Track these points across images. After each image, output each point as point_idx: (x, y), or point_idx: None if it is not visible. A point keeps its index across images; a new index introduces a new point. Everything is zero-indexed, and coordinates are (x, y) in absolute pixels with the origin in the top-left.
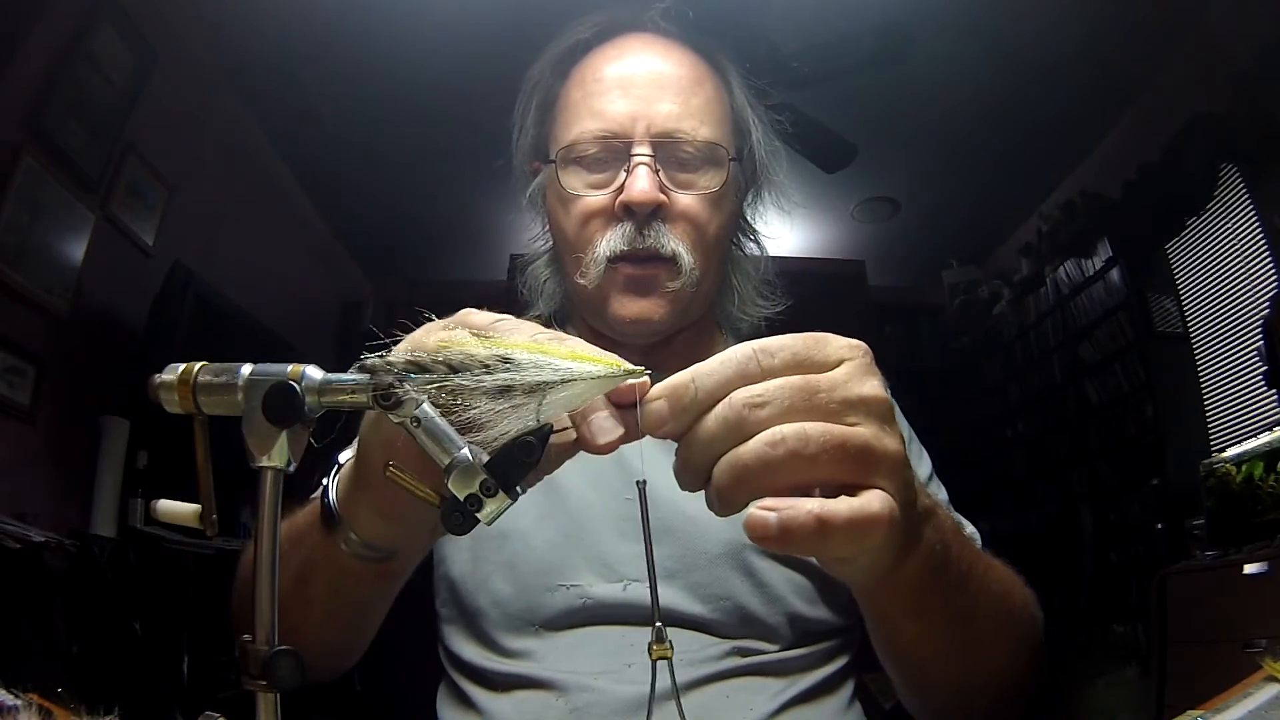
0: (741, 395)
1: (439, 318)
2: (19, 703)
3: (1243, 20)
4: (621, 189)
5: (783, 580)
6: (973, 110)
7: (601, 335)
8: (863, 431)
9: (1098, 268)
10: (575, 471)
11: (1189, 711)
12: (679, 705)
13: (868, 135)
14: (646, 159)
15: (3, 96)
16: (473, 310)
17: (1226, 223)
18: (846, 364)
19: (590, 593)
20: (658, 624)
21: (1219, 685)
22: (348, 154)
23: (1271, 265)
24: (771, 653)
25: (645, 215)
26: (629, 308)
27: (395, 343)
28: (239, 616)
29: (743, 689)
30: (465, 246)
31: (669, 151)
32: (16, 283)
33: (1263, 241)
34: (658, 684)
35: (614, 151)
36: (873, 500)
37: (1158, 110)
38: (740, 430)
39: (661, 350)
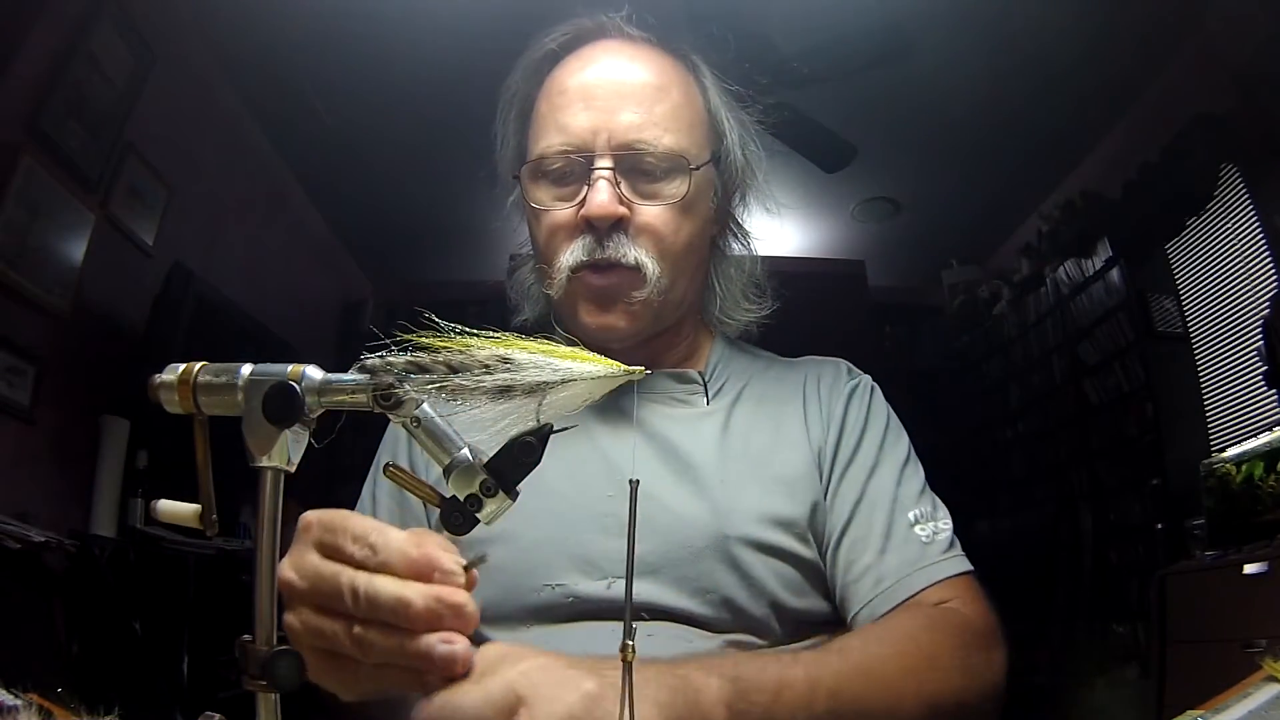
0: None
1: (439, 318)
2: (19, 703)
3: (1243, 20)
4: (584, 203)
5: (768, 572)
6: (973, 110)
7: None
8: None
9: (1098, 268)
10: (559, 471)
11: (1189, 711)
12: (631, 709)
13: (868, 135)
14: (607, 173)
15: (3, 96)
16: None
17: (1226, 223)
18: None
19: (575, 591)
20: (632, 624)
21: (1219, 685)
22: (348, 154)
23: (1271, 265)
24: (765, 646)
25: (606, 228)
26: (595, 318)
27: (395, 343)
28: None
29: None
30: (465, 246)
31: (631, 163)
32: (16, 283)
33: (1263, 241)
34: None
35: (577, 165)
36: None
37: (1158, 110)
38: None
39: (643, 349)
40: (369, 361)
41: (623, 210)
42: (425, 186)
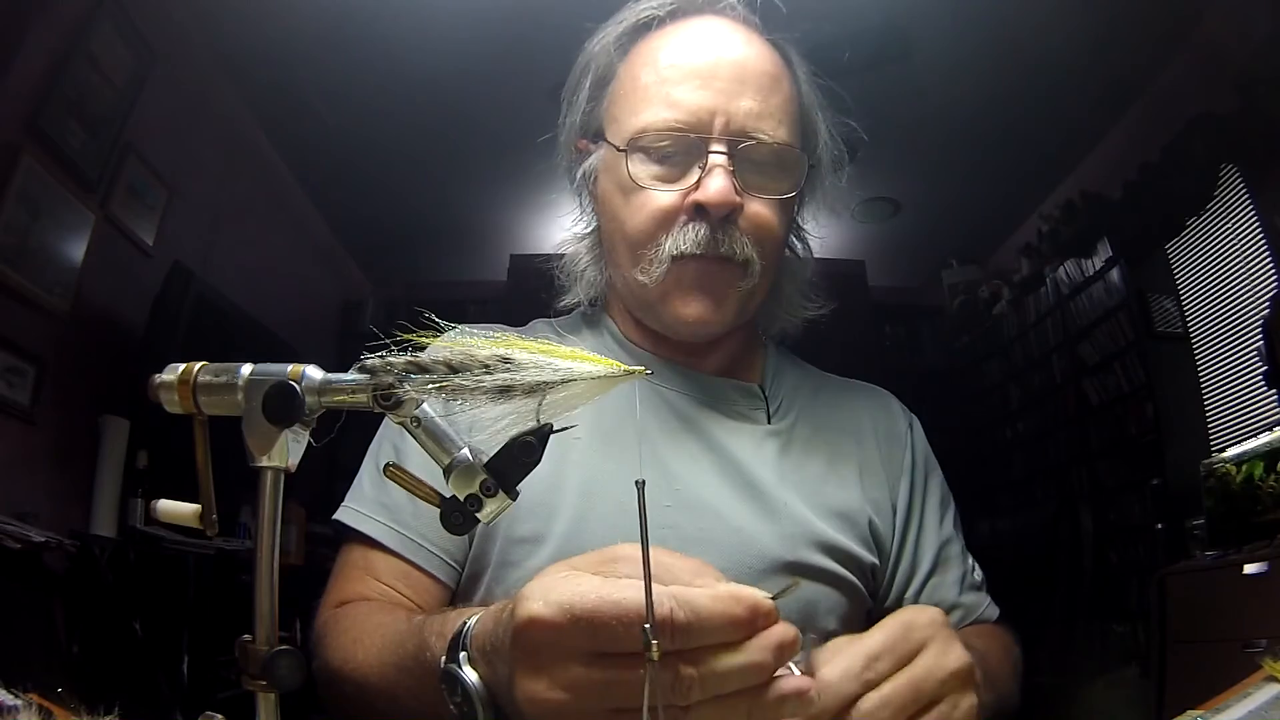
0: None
1: (439, 318)
2: (19, 703)
3: (1243, 20)
4: (694, 186)
5: (823, 598)
6: (973, 110)
7: (646, 329)
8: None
9: (1098, 268)
10: (610, 476)
11: (1189, 711)
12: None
13: (868, 135)
14: (723, 159)
15: (3, 96)
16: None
17: (1226, 223)
18: (930, 644)
19: None
20: (647, 625)
21: (1219, 685)
22: (348, 154)
23: (1271, 265)
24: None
25: (719, 218)
26: (693, 308)
27: (395, 343)
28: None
29: None
30: (465, 246)
31: (745, 152)
32: (16, 283)
33: (1263, 241)
34: None
35: (687, 145)
36: None
37: (1158, 110)
38: None
39: (706, 350)
40: (369, 361)
41: (739, 200)
42: (425, 187)
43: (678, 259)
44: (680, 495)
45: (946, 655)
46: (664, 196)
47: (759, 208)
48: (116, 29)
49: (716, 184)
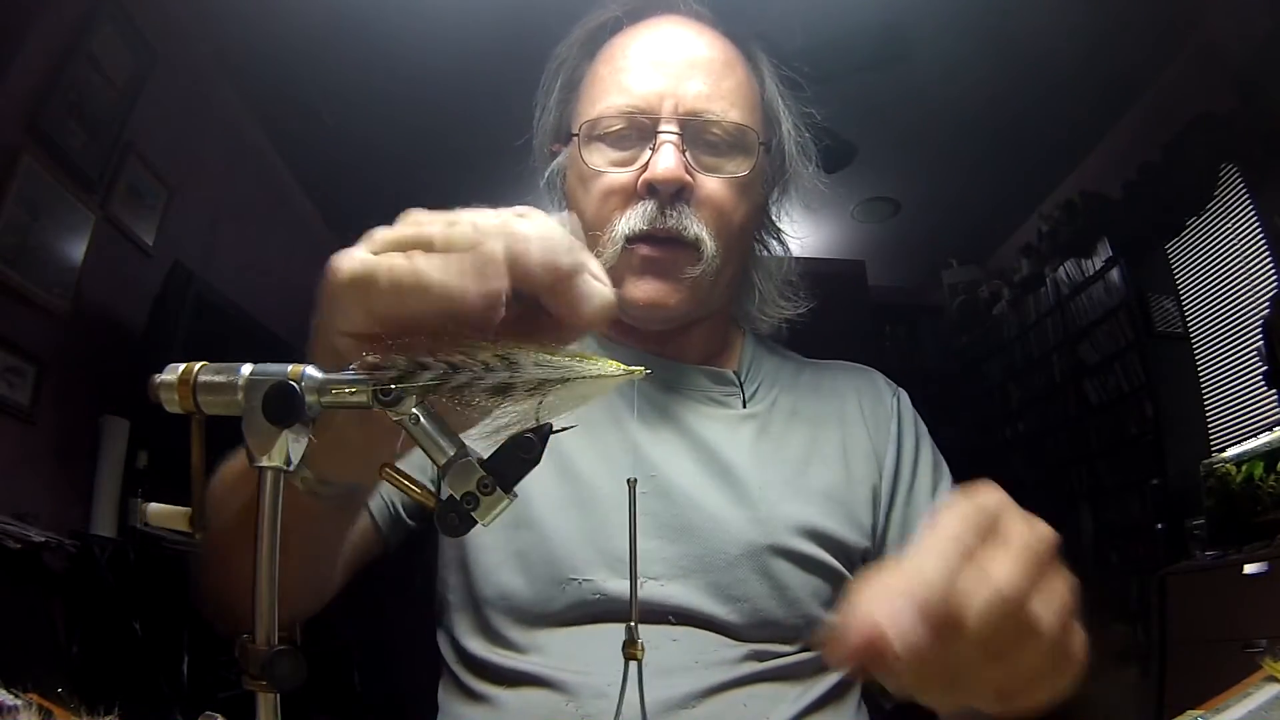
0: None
1: None
2: (19, 703)
3: (1243, 20)
4: (645, 167)
5: (803, 584)
6: (973, 110)
7: (618, 320)
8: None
9: (1098, 268)
10: (592, 461)
11: (1189, 711)
12: (643, 708)
13: (868, 135)
14: (673, 137)
15: (3, 96)
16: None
17: (1226, 223)
18: (1007, 513)
19: (604, 589)
20: (632, 624)
21: (1219, 685)
22: (348, 153)
23: (1271, 265)
24: (788, 655)
25: (669, 195)
26: (644, 290)
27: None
28: (218, 598)
29: (760, 695)
30: None
31: (696, 132)
32: (16, 283)
33: (1263, 241)
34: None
35: (640, 129)
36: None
37: (1158, 110)
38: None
39: (679, 339)
40: (369, 360)
41: (688, 177)
42: (425, 187)
43: (630, 240)
44: (655, 482)
45: (1033, 523)
46: (616, 178)
47: (712, 188)
48: (116, 29)
49: (664, 160)
